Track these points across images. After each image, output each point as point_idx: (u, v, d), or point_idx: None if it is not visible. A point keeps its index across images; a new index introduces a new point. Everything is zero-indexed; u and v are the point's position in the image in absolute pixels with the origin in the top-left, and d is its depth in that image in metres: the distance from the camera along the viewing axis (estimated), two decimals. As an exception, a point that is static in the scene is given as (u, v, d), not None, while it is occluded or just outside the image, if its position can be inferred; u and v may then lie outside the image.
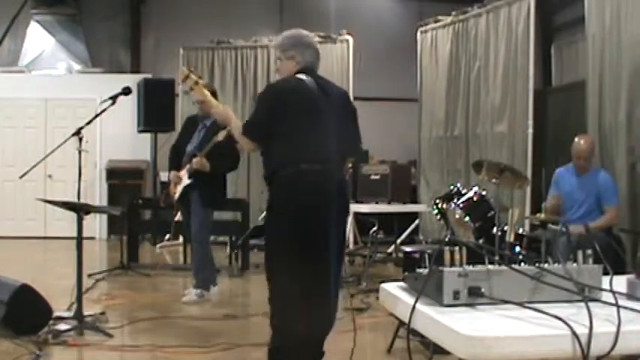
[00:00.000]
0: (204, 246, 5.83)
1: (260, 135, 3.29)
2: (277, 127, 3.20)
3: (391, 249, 8.53)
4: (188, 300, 5.72)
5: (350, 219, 8.92)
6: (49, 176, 10.25)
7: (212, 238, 6.23)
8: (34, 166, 5.10)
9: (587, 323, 1.42)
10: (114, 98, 4.99)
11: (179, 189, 5.77)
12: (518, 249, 4.43)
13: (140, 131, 9.58)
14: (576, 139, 5.34)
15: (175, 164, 5.90)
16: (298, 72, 3.33)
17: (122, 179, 10.11)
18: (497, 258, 1.70)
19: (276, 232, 3.20)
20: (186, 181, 5.71)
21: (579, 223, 4.92)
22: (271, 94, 3.37)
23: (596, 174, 5.31)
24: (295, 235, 3.10)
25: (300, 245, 3.09)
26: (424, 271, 1.73)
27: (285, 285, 3.12)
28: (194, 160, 5.59)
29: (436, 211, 4.98)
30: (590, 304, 1.53)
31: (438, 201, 5.00)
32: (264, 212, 3.40)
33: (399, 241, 8.38)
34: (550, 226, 4.68)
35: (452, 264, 1.65)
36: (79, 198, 4.94)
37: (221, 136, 5.34)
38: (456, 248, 1.67)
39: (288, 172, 3.16)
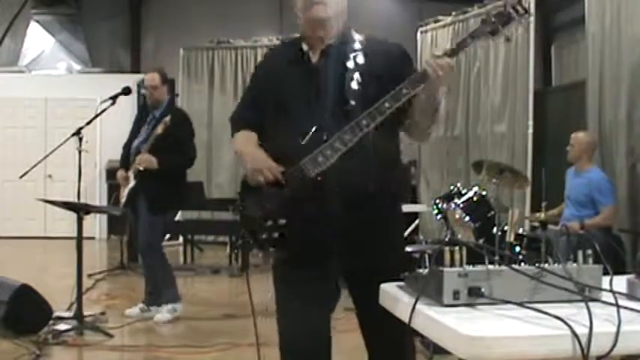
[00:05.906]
0: (160, 258, 5.18)
1: None
2: None
3: (391, 249, 8.51)
4: (160, 319, 5.09)
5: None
6: (49, 176, 10.25)
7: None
8: (34, 166, 5.09)
9: (587, 323, 1.42)
10: (114, 98, 4.99)
11: (125, 192, 5.14)
12: (518, 249, 4.42)
13: (140, 131, 9.56)
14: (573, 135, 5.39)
15: (125, 163, 5.23)
16: None
17: (122, 179, 10.09)
18: (497, 258, 1.70)
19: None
20: (131, 182, 5.09)
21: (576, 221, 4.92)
22: None
23: (593, 174, 5.31)
24: None
25: None
26: (424, 271, 1.73)
27: None
28: (137, 157, 4.93)
29: (436, 211, 4.97)
30: (590, 304, 1.53)
31: (438, 201, 4.99)
32: None
33: (399, 241, 8.35)
34: (550, 226, 4.68)
35: (452, 264, 1.65)
36: (79, 198, 4.94)
37: (160, 128, 4.83)
38: (456, 248, 1.67)
39: None
